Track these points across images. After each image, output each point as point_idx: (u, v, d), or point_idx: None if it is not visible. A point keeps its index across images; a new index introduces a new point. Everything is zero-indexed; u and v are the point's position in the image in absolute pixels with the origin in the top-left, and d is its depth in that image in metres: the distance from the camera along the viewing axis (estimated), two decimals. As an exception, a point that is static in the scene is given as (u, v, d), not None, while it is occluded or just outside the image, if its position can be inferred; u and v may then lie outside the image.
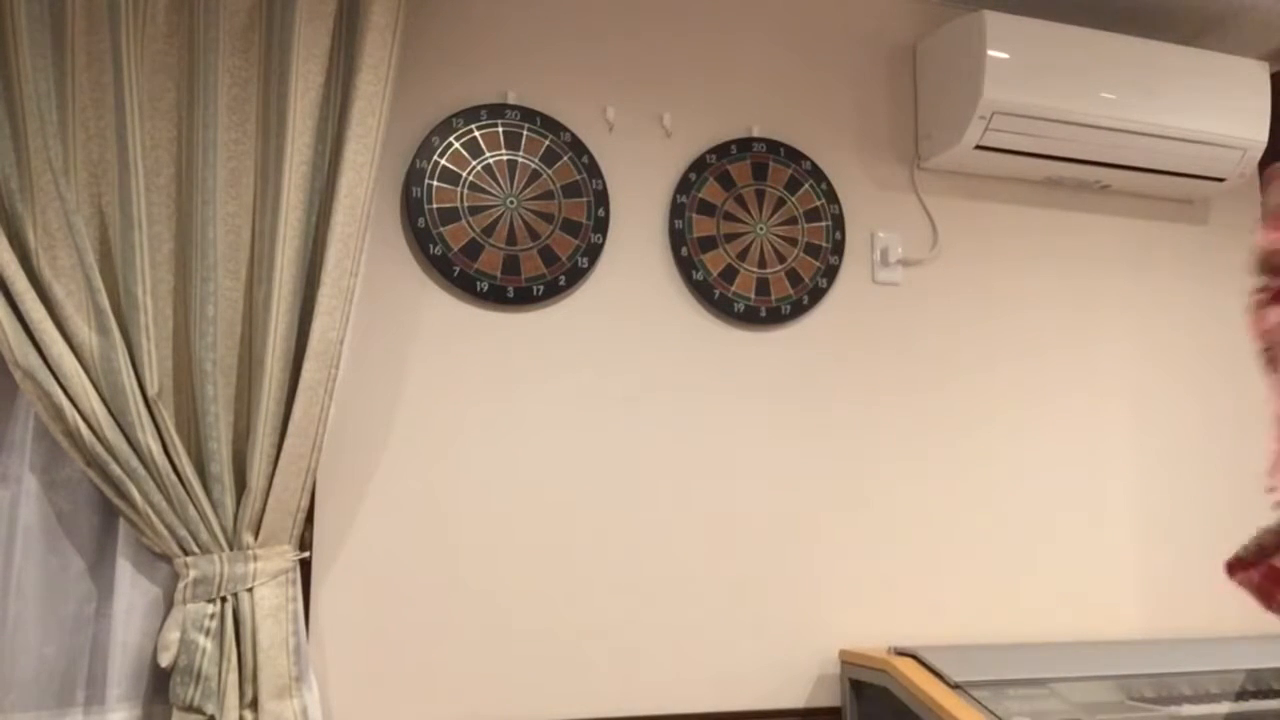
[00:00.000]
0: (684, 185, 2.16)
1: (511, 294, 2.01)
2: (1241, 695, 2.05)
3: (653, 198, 2.16)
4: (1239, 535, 2.66)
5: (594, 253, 2.07)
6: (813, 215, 2.24)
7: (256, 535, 1.71)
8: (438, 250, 1.97)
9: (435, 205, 1.98)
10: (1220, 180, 2.43)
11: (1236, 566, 0.95)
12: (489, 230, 2.01)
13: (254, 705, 1.66)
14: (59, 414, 1.62)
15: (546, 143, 2.07)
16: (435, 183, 1.98)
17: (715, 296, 2.14)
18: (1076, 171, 2.37)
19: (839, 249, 2.25)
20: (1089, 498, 2.39)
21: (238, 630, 1.67)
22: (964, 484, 2.29)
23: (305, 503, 1.75)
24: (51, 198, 1.64)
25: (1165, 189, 2.49)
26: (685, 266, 2.14)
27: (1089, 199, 2.52)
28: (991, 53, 2.17)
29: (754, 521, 2.12)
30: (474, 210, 2.00)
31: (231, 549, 1.70)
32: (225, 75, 1.75)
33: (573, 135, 2.09)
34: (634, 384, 2.09)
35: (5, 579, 1.69)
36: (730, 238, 2.17)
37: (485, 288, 2.00)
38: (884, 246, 2.31)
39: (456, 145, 2.01)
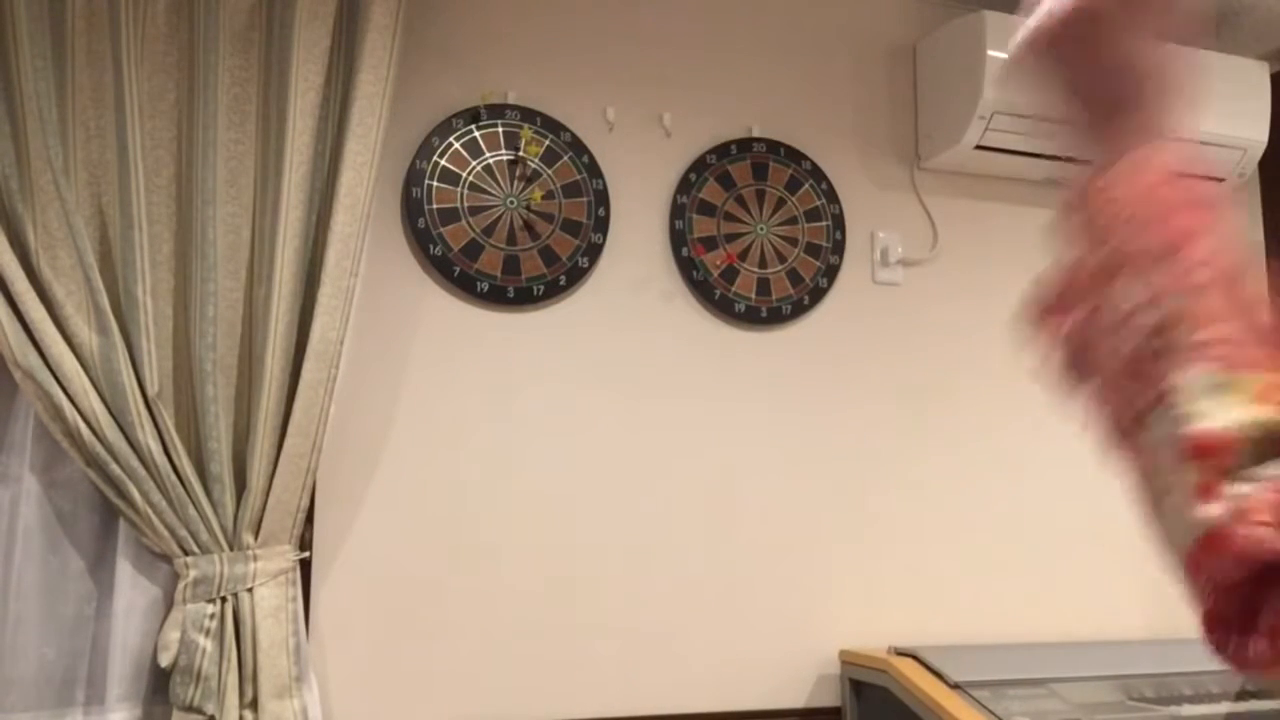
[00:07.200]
0: (684, 185, 2.16)
1: (511, 294, 2.01)
2: (1241, 695, 2.05)
3: (653, 198, 2.15)
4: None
5: (594, 253, 2.07)
6: (813, 215, 2.24)
7: (256, 535, 1.71)
8: (438, 250, 1.97)
9: (435, 205, 1.98)
10: (1220, 180, 2.43)
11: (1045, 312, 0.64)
12: (489, 230, 2.01)
13: (254, 705, 1.66)
14: (59, 414, 1.62)
15: (546, 143, 2.07)
16: (435, 183, 1.98)
17: (716, 296, 2.14)
18: (1076, 171, 2.37)
19: (839, 249, 2.25)
20: (1089, 496, 2.39)
21: (238, 630, 1.67)
22: (964, 483, 2.29)
23: (305, 503, 1.75)
24: (51, 198, 1.63)
25: (1165, 189, 2.49)
26: (686, 266, 2.14)
27: (1089, 199, 2.52)
28: (991, 53, 2.17)
29: (754, 521, 2.12)
30: (474, 210, 2.00)
31: (231, 549, 1.70)
32: (225, 75, 1.75)
33: (573, 135, 2.09)
34: (634, 384, 2.09)
35: (5, 579, 1.69)
36: (731, 238, 2.17)
37: (485, 288, 2.00)
38: (884, 246, 2.31)
39: (456, 145, 2.01)
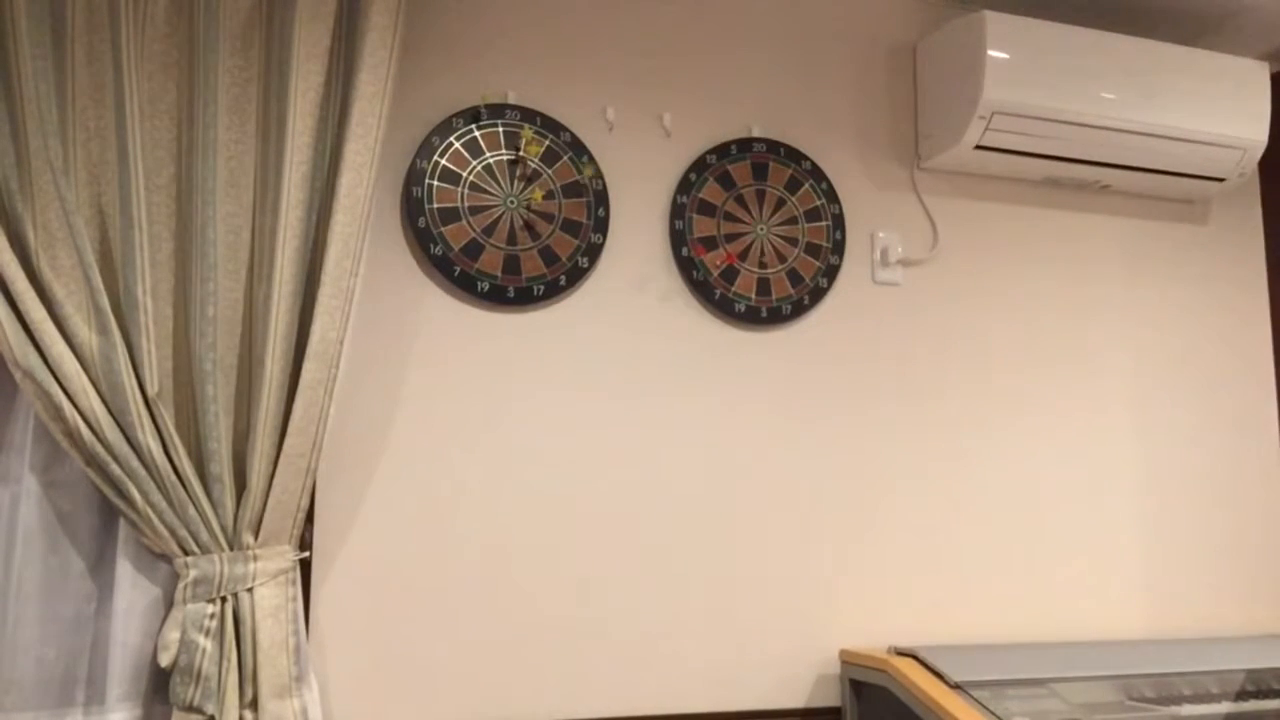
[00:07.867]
0: (684, 185, 2.16)
1: (512, 294, 2.01)
2: (1241, 695, 2.05)
3: (653, 198, 2.16)
4: (1238, 535, 2.67)
5: (594, 253, 2.07)
6: (813, 215, 2.24)
7: (256, 535, 1.71)
8: (438, 250, 1.97)
9: (436, 205, 1.98)
10: (1220, 180, 2.43)
11: None
12: (489, 230, 2.01)
13: (254, 705, 1.66)
14: (59, 414, 1.62)
15: (546, 143, 2.07)
16: (436, 182, 1.98)
17: (716, 296, 2.14)
18: (1076, 171, 2.37)
19: (839, 249, 2.25)
20: (1089, 496, 2.39)
21: (238, 630, 1.67)
22: (964, 483, 2.29)
23: (305, 503, 1.75)
24: (51, 198, 1.64)
25: (1165, 189, 2.49)
26: (686, 266, 2.14)
27: (1089, 199, 2.52)
28: (991, 53, 2.17)
29: (754, 521, 2.12)
30: (474, 210, 2.00)
31: (231, 549, 1.70)
32: (225, 75, 1.75)
33: (573, 135, 2.09)
34: (634, 384, 2.09)
35: (5, 579, 1.69)
36: (731, 238, 2.17)
37: (486, 288, 2.00)
38: (884, 246, 2.31)
39: (457, 145, 2.01)
